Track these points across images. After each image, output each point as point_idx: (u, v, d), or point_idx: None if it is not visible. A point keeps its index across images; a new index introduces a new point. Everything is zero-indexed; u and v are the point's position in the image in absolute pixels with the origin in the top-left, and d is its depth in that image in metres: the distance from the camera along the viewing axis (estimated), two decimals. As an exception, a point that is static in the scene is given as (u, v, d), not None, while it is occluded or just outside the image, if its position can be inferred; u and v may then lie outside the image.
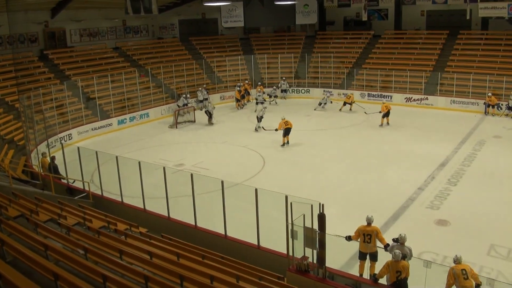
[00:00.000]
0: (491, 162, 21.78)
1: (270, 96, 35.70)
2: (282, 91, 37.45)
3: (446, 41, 37.15)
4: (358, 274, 11.77)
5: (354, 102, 32.86)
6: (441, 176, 19.97)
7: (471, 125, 28.15)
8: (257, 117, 28.57)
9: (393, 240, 11.14)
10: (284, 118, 25.28)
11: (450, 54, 36.05)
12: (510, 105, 29.69)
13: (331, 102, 33.85)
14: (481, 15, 33.97)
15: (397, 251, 10.29)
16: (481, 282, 9.95)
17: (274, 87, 36.06)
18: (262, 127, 27.74)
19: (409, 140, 25.62)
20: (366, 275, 11.65)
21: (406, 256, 10.75)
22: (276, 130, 25.54)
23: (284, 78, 37.78)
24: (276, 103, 35.33)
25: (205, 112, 30.49)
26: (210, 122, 30.23)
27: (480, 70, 33.08)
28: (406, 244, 10.97)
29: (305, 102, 35.13)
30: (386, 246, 11.53)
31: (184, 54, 39.62)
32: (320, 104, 33.65)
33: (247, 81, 37.49)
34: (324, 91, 36.03)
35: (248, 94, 36.35)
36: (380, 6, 40.35)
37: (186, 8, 39.27)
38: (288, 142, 25.17)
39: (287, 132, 25.06)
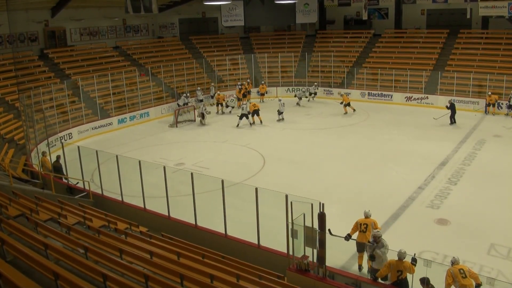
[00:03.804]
0: (491, 161, 21.77)
1: (310, 94, 35.82)
2: (310, 93, 36.42)
3: (446, 40, 37.15)
4: (358, 272, 11.83)
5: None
6: (441, 175, 19.96)
7: (471, 124, 28.15)
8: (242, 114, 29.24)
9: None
10: (252, 102, 30.57)
11: (450, 53, 36.05)
12: (510, 103, 29.68)
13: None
14: (481, 14, 33.98)
15: (402, 250, 10.32)
16: (481, 282, 9.96)
17: (316, 84, 36.01)
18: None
19: (409, 139, 25.60)
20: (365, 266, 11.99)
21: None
22: (249, 112, 29.28)
23: (316, 83, 36.94)
24: (308, 101, 35.64)
25: (199, 113, 30.50)
26: (202, 123, 30.29)
27: (481, 69, 33.08)
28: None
29: (305, 101, 35.09)
30: None
31: (184, 53, 39.63)
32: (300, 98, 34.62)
33: (248, 80, 37.50)
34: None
35: (249, 93, 36.36)
36: (381, 5, 40.42)
37: (186, 7, 39.28)
38: (261, 122, 29.55)
39: (256, 112, 29.45)
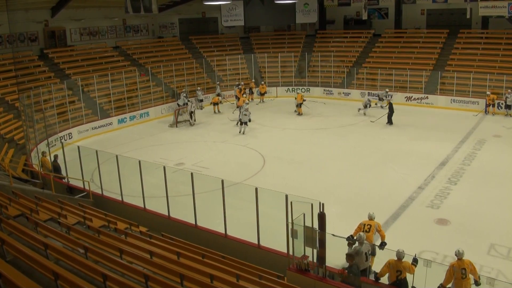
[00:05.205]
0: (491, 161, 21.78)
1: (381, 99, 33.34)
2: (380, 99, 33.94)
3: (446, 40, 37.14)
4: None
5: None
6: (441, 175, 19.97)
7: (471, 124, 28.16)
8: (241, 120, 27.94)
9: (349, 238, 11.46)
10: (241, 98, 30.48)
11: (450, 53, 36.05)
12: (507, 103, 29.72)
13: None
14: (481, 14, 33.97)
15: (401, 250, 10.33)
16: (479, 279, 10.01)
17: (386, 90, 33.78)
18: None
19: (409, 139, 25.61)
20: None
21: (374, 252, 11.78)
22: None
23: (387, 88, 34.46)
24: (382, 107, 32.68)
25: (190, 113, 30.37)
26: (190, 123, 30.22)
27: (480, 69, 33.08)
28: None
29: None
30: (383, 244, 11.81)
31: (184, 53, 39.63)
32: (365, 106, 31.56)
33: (253, 80, 37.65)
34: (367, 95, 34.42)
35: (252, 93, 36.48)
36: (380, 5, 40.39)
37: (186, 7, 39.27)
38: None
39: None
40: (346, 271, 10.37)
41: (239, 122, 27.85)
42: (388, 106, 28.99)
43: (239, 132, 27.41)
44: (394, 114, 28.65)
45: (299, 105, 31.93)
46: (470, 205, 17.01)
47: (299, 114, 31.93)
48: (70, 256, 8.05)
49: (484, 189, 18.51)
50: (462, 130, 26.74)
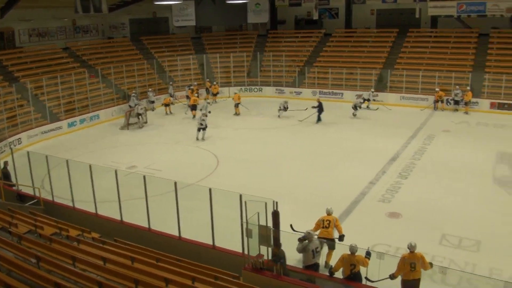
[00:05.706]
0: (441, 155, 22.46)
1: (365, 100, 32.31)
2: (364, 99, 32.67)
3: (395, 39, 37.97)
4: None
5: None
6: (392, 170, 20.45)
7: (420, 120, 28.90)
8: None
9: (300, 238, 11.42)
10: (193, 97, 31.75)
11: (399, 51, 36.85)
12: (456, 99, 30.61)
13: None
14: (430, 13, 34.95)
15: (354, 244, 10.53)
16: (431, 266, 10.46)
17: (372, 90, 33.21)
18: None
19: (359, 136, 26.07)
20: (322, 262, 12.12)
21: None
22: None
23: (373, 89, 33.87)
24: (368, 107, 32.18)
25: (137, 115, 29.86)
26: (139, 126, 29.84)
27: (429, 67, 34.00)
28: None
29: (257, 100, 35.22)
30: (342, 237, 12.22)
31: (135, 54, 39.09)
32: (356, 108, 30.70)
33: (208, 80, 37.52)
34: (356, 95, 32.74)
35: (208, 92, 36.34)
36: (331, 5, 40.89)
37: (137, 7, 38.73)
38: (194, 116, 30.25)
39: (194, 107, 30.79)
40: (272, 260, 10.64)
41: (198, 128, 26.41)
42: (318, 105, 29.16)
43: (197, 139, 26.22)
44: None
45: (236, 105, 32.20)
46: (420, 198, 17.50)
47: (237, 114, 32.17)
48: (22, 266, 7.91)
49: (434, 181, 19.11)
50: (411, 126, 27.41)
